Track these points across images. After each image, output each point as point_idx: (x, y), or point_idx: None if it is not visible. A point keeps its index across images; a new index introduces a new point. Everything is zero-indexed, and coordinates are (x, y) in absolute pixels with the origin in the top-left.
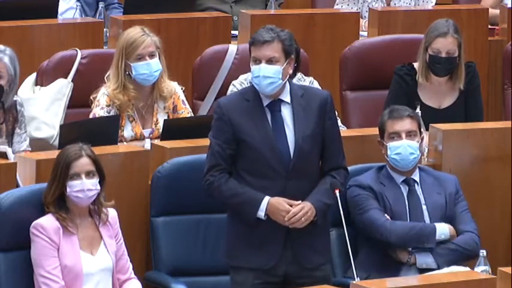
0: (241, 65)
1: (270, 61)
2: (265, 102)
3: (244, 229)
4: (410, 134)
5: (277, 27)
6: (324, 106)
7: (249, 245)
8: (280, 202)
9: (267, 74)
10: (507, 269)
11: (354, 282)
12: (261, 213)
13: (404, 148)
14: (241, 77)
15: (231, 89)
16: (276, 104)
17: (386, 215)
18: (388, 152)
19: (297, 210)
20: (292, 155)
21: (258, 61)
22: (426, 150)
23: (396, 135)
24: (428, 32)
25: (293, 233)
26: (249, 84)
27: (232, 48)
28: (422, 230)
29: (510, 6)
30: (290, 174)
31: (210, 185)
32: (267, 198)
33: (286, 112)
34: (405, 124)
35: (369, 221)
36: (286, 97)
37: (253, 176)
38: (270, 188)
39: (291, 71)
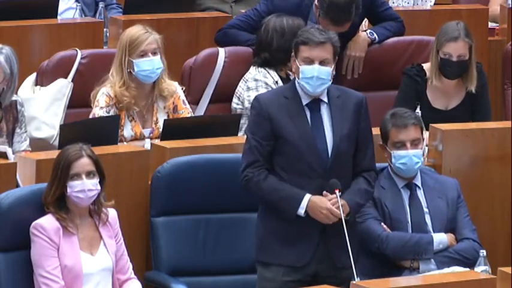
0: (232, 68)
1: (322, 62)
2: (305, 101)
3: (278, 225)
4: (415, 143)
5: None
6: (360, 108)
7: (283, 241)
8: (322, 200)
9: (321, 76)
10: (507, 269)
11: (354, 282)
12: (301, 211)
13: (409, 158)
14: (251, 74)
15: (249, 85)
16: (315, 103)
17: (384, 224)
18: (393, 160)
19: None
20: (330, 154)
21: (311, 61)
22: (426, 150)
23: (401, 144)
24: (439, 35)
25: (328, 232)
26: (260, 82)
27: (222, 51)
28: (419, 242)
29: (510, 6)
30: (327, 173)
31: (248, 181)
32: (308, 196)
33: (324, 112)
34: (410, 133)
35: (366, 232)
36: (324, 97)
37: (290, 174)
38: (306, 186)
39: (334, 72)
